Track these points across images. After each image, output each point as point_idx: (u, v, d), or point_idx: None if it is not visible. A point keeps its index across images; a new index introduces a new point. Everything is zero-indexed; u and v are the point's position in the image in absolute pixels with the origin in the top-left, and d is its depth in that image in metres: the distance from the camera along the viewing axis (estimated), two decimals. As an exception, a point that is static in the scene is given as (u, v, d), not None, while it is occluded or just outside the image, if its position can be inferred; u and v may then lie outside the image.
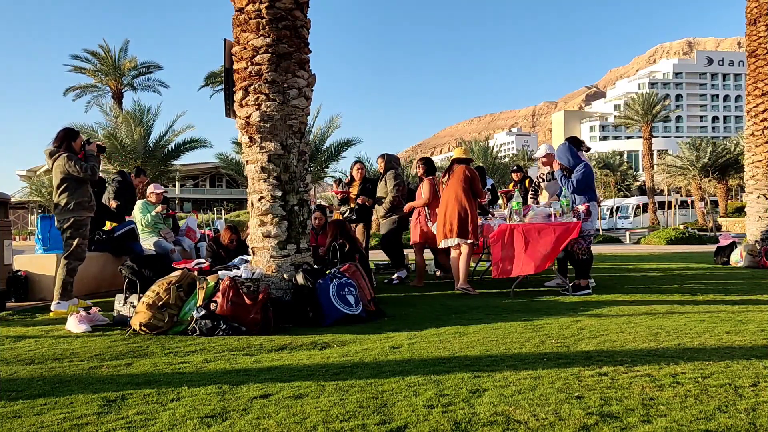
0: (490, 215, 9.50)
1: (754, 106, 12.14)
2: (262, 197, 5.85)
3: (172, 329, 4.95)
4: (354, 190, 9.28)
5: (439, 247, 7.83)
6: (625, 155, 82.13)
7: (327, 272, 5.87)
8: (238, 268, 5.67)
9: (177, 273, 5.23)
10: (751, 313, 5.59)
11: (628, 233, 29.89)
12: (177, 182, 58.42)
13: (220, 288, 4.93)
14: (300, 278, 5.62)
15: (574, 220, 7.21)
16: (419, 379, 3.42)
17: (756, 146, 12.07)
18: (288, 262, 5.81)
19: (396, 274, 8.89)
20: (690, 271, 10.43)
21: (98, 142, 6.81)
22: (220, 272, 5.34)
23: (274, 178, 5.84)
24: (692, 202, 49.82)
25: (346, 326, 5.29)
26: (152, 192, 9.57)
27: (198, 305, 4.90)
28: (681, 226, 36.04)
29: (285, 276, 5.75)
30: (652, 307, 6.05)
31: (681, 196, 54.42)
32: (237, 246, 7.80)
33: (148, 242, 9.06)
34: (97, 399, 3.15)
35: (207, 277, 5.15)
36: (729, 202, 51.95)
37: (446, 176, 7.78)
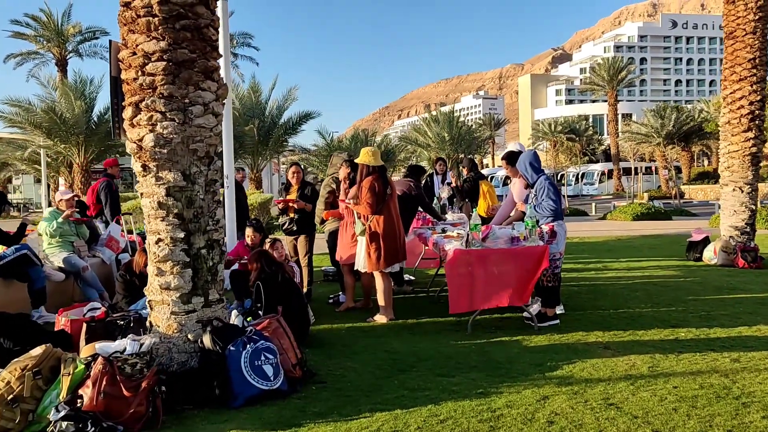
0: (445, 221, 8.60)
1: (731, 92, 11.24)
2: (159, 239, 4.71)
3: (27, 430, 3.85)
4: (292, 196, 8.18)
5: (386, 271, 6.81)
6: (591, 119, 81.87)
7: (243, 329, 4.81)
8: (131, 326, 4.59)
9: (37, 351, 4.06)
10: (748, 378, 4.69)
11: (593, 204, 29.59)
12: (128, 155, 56.13)
13: (91, 375, 3.83)
14: (207, 341, 4.57)
15: (541, 243, 6.26)
16: None
17: (732, 135, 11.21)
18: (193, 319, 4.72)
19: (340, 296, 7.86)
20: (662, 273, 9.65)
21: None
22: (97, 345, 4.20)
23: (175, 215, 4.70)
24: (656, 168, 49.66)
25: (261, 406, 4.28)
26: (61, 198, 8.33)
27: (61, 398, 3.81)
28: (645, 196, 36.00)
29: (189, 336, 4.67)
30: (631, 363, 5.11)
31: (645, 162, 54.33)
32: None
33: (57, 258, 7.88)
34: None
35: (78, 355, 4.04)
36: (692, 168, 52.01)
37: (387, 191, 6.77)
